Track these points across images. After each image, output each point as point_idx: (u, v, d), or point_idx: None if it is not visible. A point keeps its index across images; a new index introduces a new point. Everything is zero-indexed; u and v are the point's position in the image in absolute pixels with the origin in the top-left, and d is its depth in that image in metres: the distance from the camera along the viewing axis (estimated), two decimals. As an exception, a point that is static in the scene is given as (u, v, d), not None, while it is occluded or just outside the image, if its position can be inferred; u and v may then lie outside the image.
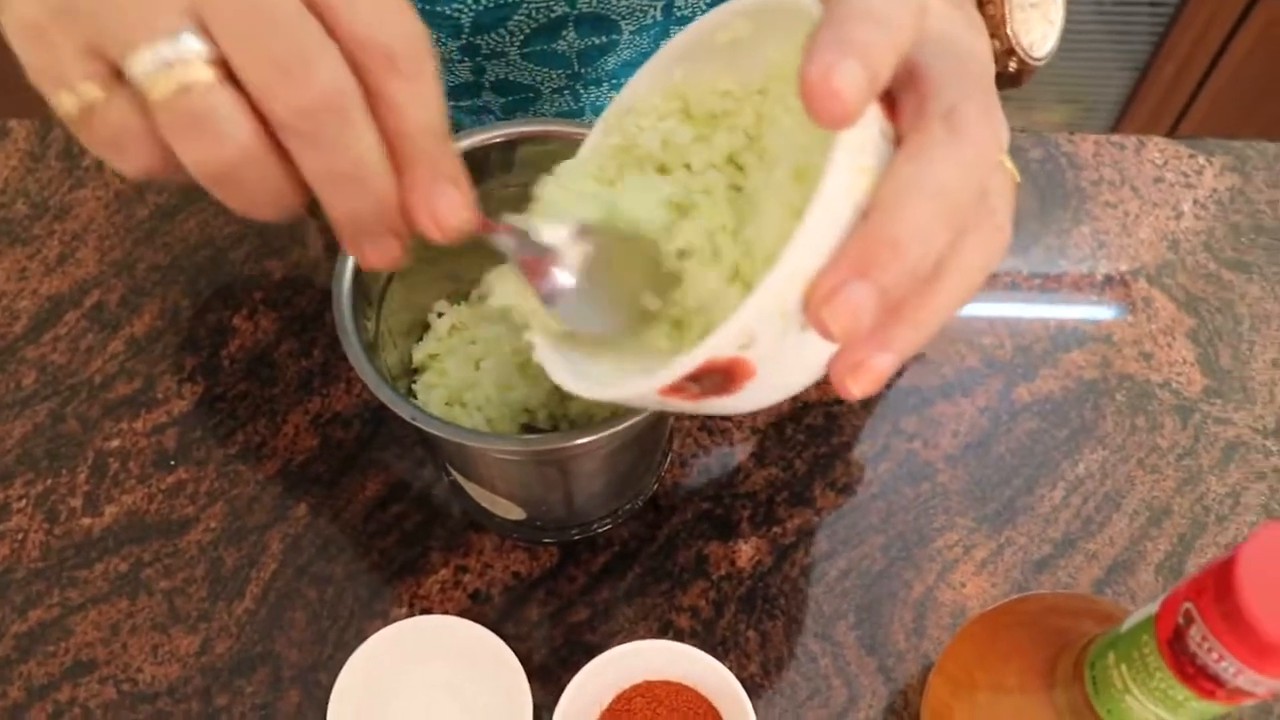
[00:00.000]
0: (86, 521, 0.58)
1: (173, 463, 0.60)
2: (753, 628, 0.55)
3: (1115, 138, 0.72)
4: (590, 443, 0.41)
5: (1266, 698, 0.33)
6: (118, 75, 0.30)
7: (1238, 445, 0.60)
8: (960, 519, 0.58)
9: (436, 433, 0.40)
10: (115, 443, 0.60)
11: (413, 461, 0.60)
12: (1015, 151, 0.71)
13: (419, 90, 0.31)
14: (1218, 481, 0.59)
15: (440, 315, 0.54)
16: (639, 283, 0.37)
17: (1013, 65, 0.45)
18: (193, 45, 0.28)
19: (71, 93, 0.30)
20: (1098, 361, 0.63)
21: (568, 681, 0.50)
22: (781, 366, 0.32)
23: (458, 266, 0.53)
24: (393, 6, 0.30)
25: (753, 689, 0.53)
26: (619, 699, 0.52)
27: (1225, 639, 0.32)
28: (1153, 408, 0.62)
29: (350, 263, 0.45)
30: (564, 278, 0.37)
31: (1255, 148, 0.72)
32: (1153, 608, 0.36)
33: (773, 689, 0.54)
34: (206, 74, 0.29)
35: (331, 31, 0.29)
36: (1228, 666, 0.33)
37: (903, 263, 0.29)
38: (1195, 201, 0.69)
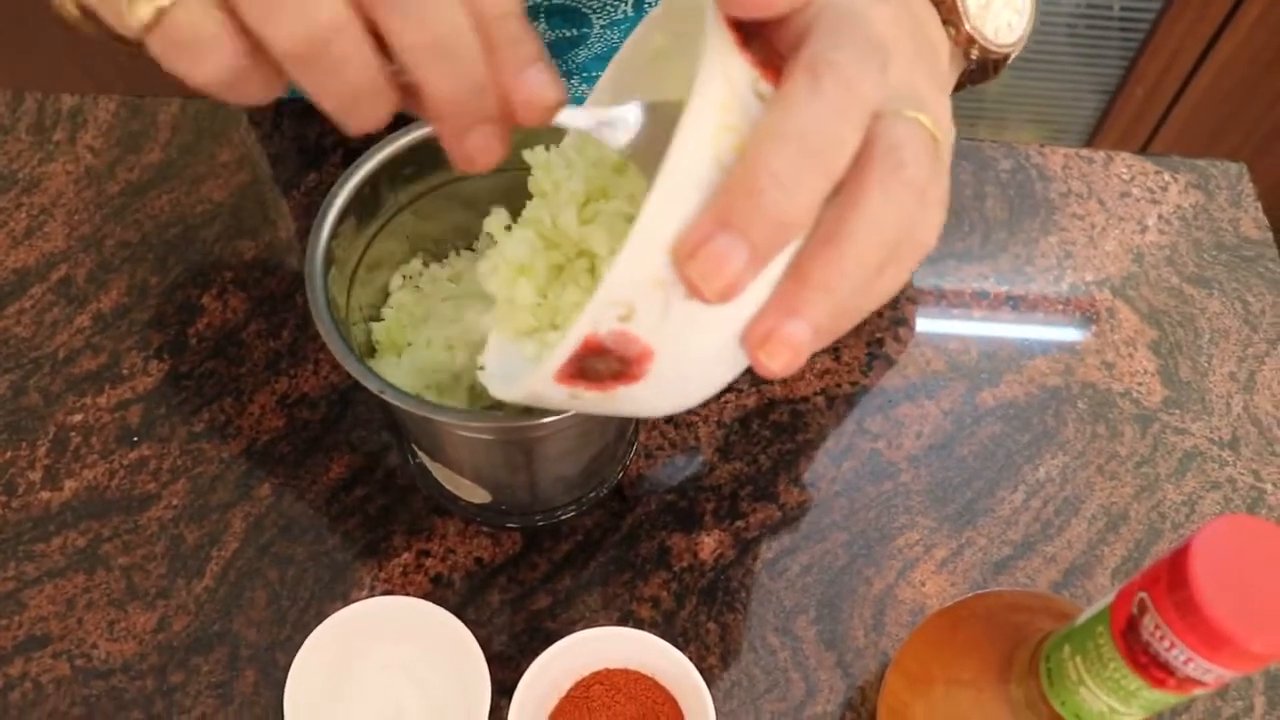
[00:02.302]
0: (45, 495, 0.58)
1: (135, 439, 0.59)
2: (713, 620, 0.55)
3: (1084, 152, 0.73)
4: (555, 423, 0.41)
5: (1215, 686, 0.34)
6: None
7: (1194, 455, 0.61)
8: (921, 519, 0.59)
9: (403, 406, 0.40)
10: (77, 417, 0.60)
11: (378, 445, 0.59)
12: (986, 162, 0.72)
13: None
14: (1174, 489, 0.60)
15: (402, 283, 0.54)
16: None
17: (975, 53, 0.45)
18: None
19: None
20: (1061, 369, 0.64)
21: (527, 668, 0.50)
22: (681, 345, 0.31)
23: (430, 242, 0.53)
24: None
25: (711, 680, 0.54)
26: (578, 686, 0.52)
27: (1177, 627, 0.33)
28: (1113, 416, 0.63)
29: (324, 238, 0.44)
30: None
31: (1218, 167, 0.73)
32: (1108, 599, 0.37)
33: (731, 681, 0.54)
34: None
35: None
36: (1179, 654, 0.33)
37: (763, 209, 0.28)
38: (1160, 217, 0.71)
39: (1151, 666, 0.35)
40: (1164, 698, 0.36)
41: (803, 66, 0.29)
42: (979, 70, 0.47)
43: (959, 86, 0.47)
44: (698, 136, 0.29)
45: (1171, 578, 0.33)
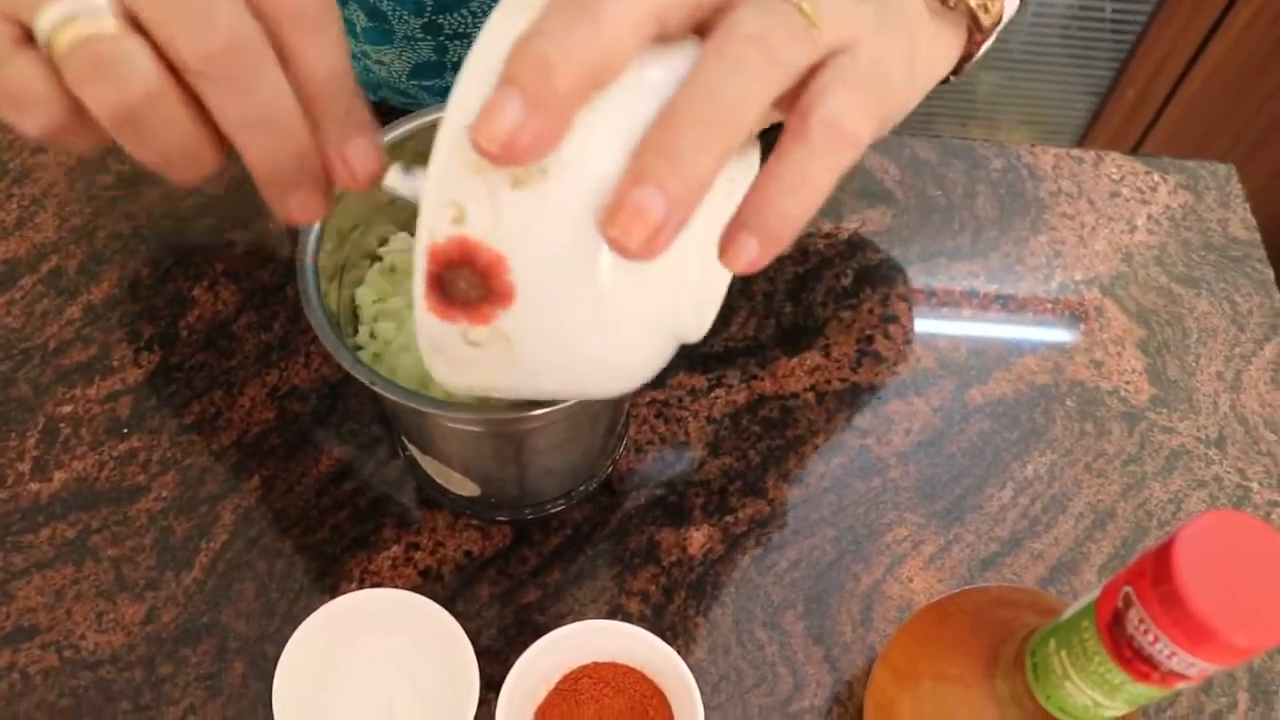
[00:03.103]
0: (34, 486, 0.58)
1: (125, 430, 0.59)
2: (701, 614, 0.56)
3: (1075, 152, 0.74)
4: (545, 415, 0.41)
5: (1198, 680, 0.34)
6: (28, 38, 0.30)
7: (1181, 454, 0.62)
8: (910, 515, 0.59)
9: (393, 398, 0.40)
10: (67, 408, 0.60)
11: (369, 438, 0.59)
12: (978, 161, 0.72)
13: (324, 41, 0.32)
14: (1161, 488, 0.61)
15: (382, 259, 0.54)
16: None
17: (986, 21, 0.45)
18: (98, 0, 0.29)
19: None
20: (1050, 367, 0.64)
21: (515, 661, 0.50)
22: (530, 243, 0.30)
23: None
24: None
25: (699, 674, 0.54)
26: (566, 679, 0.52)
27: (1161, 621, 0.33)
28: (1101, 414, 0.63)
29: (315, 230, 0.45)
30: None
31: (1207, 168, 0.74)
32: (1094, 594, 0.37)
33: (719, 675, 0.54)
34: (111, 24, 0.29)
35: None
36: (1162, 649, 0.33)
37: (542, 56, 0.28)
38: (1149, 217, 0.71)
39: (1136, 660, 0.35)
40: (1148, 691, 0.36)
41: (716, 39, 0.30)
42: (972, 24, 0.46)
43: (966, 59, 0.47)
44: (503, 17, 0.29)
45: (1156, 572, 0.33)
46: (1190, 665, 0.33)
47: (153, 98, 0.30)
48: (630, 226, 0.28)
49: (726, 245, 0.31)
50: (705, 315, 0.36)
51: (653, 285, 0.32)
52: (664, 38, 0.30)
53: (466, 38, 0.62)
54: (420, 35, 0.62)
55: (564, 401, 0.40)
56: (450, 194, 0.29)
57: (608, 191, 0.29)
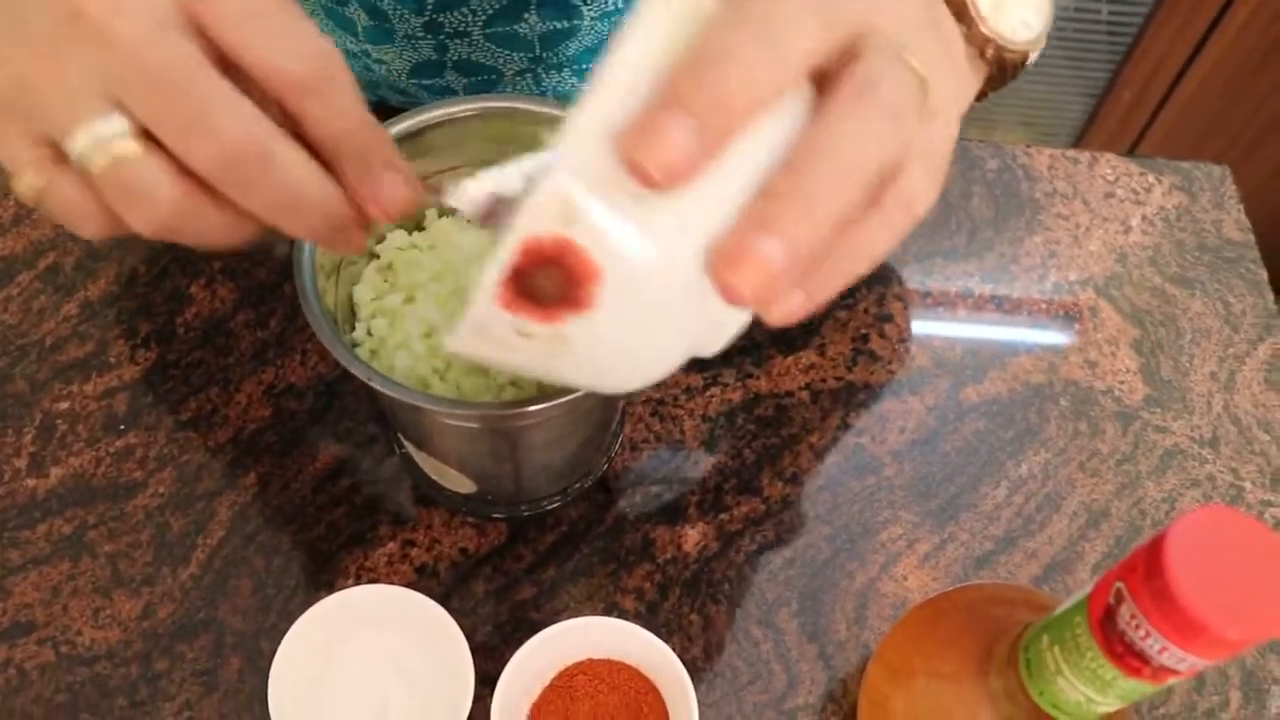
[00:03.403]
0: (31, 482, 0.58)
1: (122, 427, 0.59)
2: (696, 611, 0.56)
3: (1070, 152, 0.74)
4: (542, 410, 0.41)
5: (1189, 675, 0.35)
6: (62, 157, 0.33)
7: (1175, 453, 0.62)
8: (904, 513, 0.59)
9: (390, 394, 0.40)
10: (64, 405, 0.60)
11: (365, 436, 0.60)
12: (974, 161, 0.73)
13: (333, 102, 0.33)
14: (1155, 487, 0.61)
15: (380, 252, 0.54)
16: None
17: (990, 52, 0.44)
18: (115, 124, 0.31)
19: (27, 176, 0.33)
20: (1044, 367, 0.65)
21: (510, 657, 0.50)
22: (633, 267, 0.29)
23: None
24: (290, 31, 0.32)
25: (694, 672, 0.54)
26: (561, 675, 0.52)
27: (1153, 617, 0.33)
28: (1095, 414, 0.63)
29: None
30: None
31: (1202, 169, 0.74)
32: (1086, 590, 0.38)
33: (714, 672, 0.54)
34: (133, 147, 0.31)
35: (241, 70, 0.32)
36: (1154, 644, 0.34)
37: (713, 85, 0.27)
38: (1144, 218, 0.71)
39: (1127, 655, 0.35)
40: (1139, 687, 0.36)
41: (849, 91, 0.29)
42: (998, 73, 0.46)
43: (981, 95, 0.47)
44: (654, 21, 0.27)
45: (1148, 567, 0.34)
46: (1181, 660, 0.33)
47: (181, 212, 0.32)
48: (750, 275, 0.28)
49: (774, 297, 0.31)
50: (727, 336, 0.35)
51: (710, 315, 0.32)
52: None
53: (467, 36, 0.62)
54: (421, 34, 0.62)
55: (560, 398, 0.40)
56: (570, 193, 0.27)
57: (723, 229, 0.29)
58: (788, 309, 0.31)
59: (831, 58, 0.30)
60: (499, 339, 0.31)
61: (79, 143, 0.31)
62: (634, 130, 0.27)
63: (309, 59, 0.32)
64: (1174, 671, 0.34)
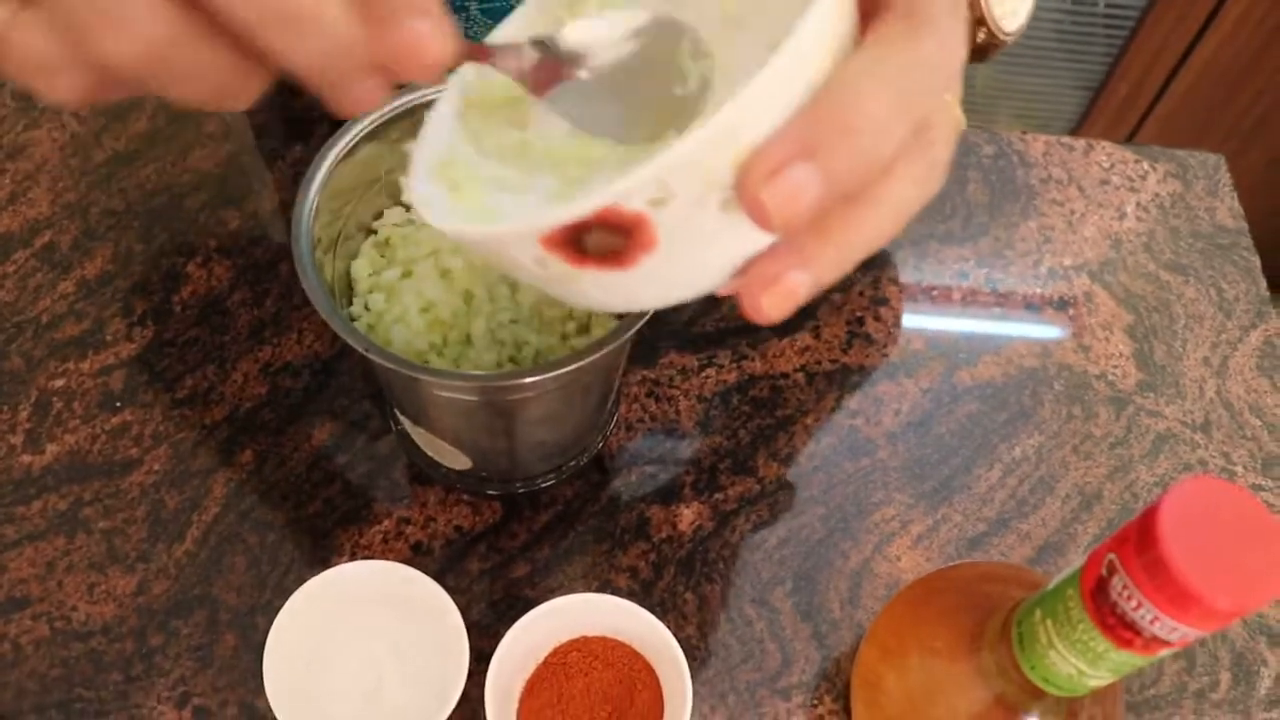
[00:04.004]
0: (26, 459, 0.58)
1: (118, 404, 0.60)
2: (691, 590, 0.56)
3: (1065, 139, 0.74)
4: (537, 383, 0.41)
5: (1179, 646, 0.35)
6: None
7: (1167, 437, 0.62)
8: (898, 494, 0.59)
9: (387, 365, 0.40)
10: (60, 382, 0.60)
11: (360, 414, 0.60)
12: (969, 148, 0.73)
13: None
14: (1147, 471, 0.61)
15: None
16: (651, 101, 0.34)
17: (981, 35, 0.45)
18: None
19: None
20: (1038, 351, 0.65)
21: (504, 635, 0.50)
22: (686, 249, 0.29)
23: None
24: None
25: (688, 650, 0.54)
26: (555, 652, 0.52)
27: (1145, 587, 0.34)
28: (1089, 398, 0.63)
29: (311, 199, 0.45)
30: (581, 75, 0.33)
31: (1196, 157, 0.74)
32: (1078, 563, 0.38)
33: (708, 651, 0.54)
34: None
35: None
36: (1145, 614, 0.34)
37: (854, 151, 0.27)
38: (1138, 204, 0.72)
39: (1119, 627, 0.35)
40: (1130, 659, 0.36)
41: (901, 11, 0.28)
42: (976, 52, 0.47)
43: None
44: (813, 45, 0.26)
45: (1140, 539, 0.34)
46: (1173, 630, 0.34)
47: (166, 33, 0.25)
48: (776, 299, 0.29)
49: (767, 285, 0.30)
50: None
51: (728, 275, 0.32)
52: None
53: (465, 12, 0.62)
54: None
55: (556, 370, 0.41)
56: (669, 180, 0.26)
57: (766, 241, 0.29)
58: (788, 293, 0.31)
59: None
60: (510, 257, 0.30)
61: None
62: (768, 170, 0.26)
63: None
64: (1165, 642, 0.35)
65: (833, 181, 0.27)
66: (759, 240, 0.29)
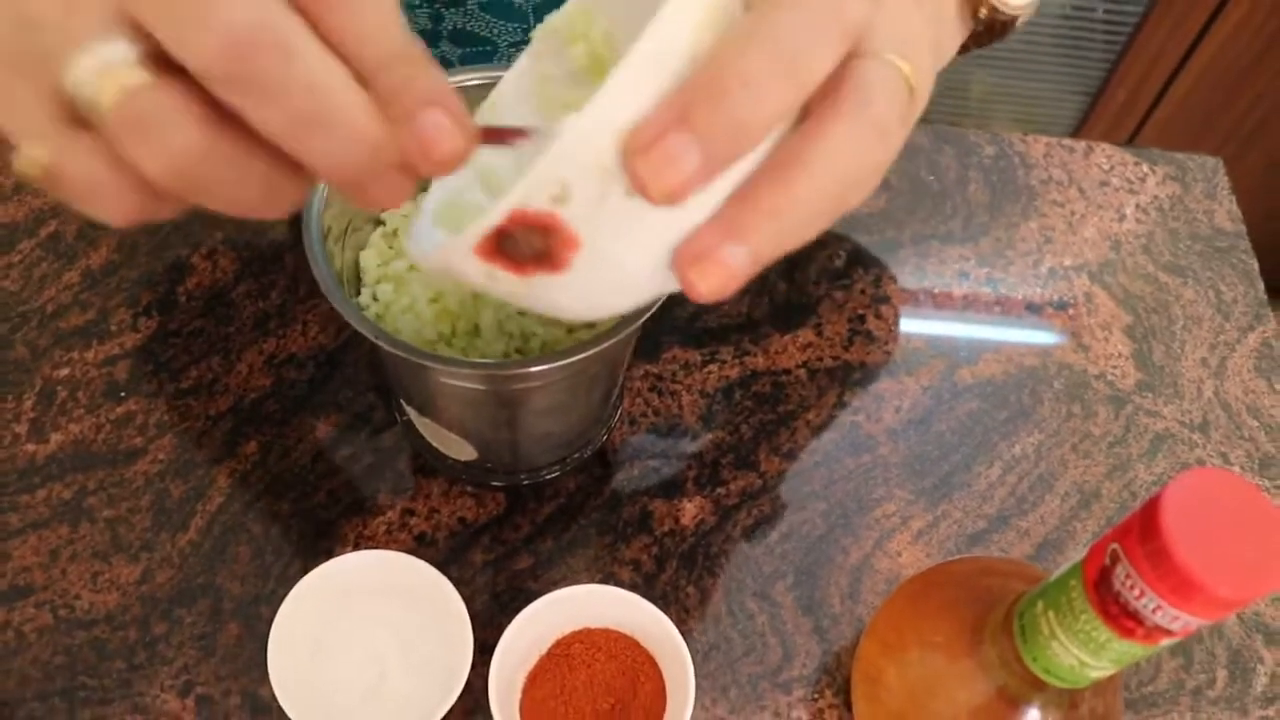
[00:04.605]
0: (30, 448, 0.58)
1: (123, 394, 0.60)
2: (693, 584, 0.56)
3: (1066, 141, 0.75)
4: (543, 373, 0.42)
5: (1181, 635, 0.35)
6: (74, 118, 0.27)
7: (1166, 437, 0.63)
8: (899, 490, 0.60)
9: (395, 352, 0.41)
10: (65, 371, 0.60)
11: (365, 405, 0.60)
12: (970, 149, 0.73)
13: (365, 14, 0.27)
14: (1145, 470, 0.62)
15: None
16: None
17: (983, 13, 0.44)
18: (122, 48, 0.26)
19: (34, 145, 0.28)
20: (1038, 350, 0.65)
21: (507, 627, 0.50)
22: (611, 241, 0.29)
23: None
24: None
25: (690, 643, 0.54)
26: (558, 644, 0.52)
27: (1147, 576, 0.34)
28: (1088, 397, 0.64)
29: (321, 189, 0.45)
30: None
31: (1195, 160, 0.75)
32: (1082, 554, 0.38)
33: (710, 643, 0.55)
34: (142, 74, 0.26)
35: None
36: (1148, 603, 0.34)
37: (725, 111, 0.26)
38: (1137, 206, 0.72)
39: (1121, 616, 0.36)
40: (1132, 649, 0.37)
41: None
42: (985, 31, 0.46)
43: (965, 49, 0.47)
44: (678, 23, 0.27)
45: (1143, 529, 0.34)
46: (1175, 619, 0.34)
47: (202, 150, 0.26)
48: (708, 274, 0.28)
49: (710, 247, 0.30)
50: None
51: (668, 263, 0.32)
52: None
53: (461, 6, 0.62)
54: (416, 3, 0.63)
55: (563, 359, 0.41)
56: (565, 176, 0.27)
57: (699, 222, 0.29)
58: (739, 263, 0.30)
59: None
60: (465, 273, 0.31)
61: (86, 73, 0.26)
62: (643, 143, 0.26)
63: None
64: (1167, 632, 0.35)
65: (712, 145, 0.26)
66: (684, 221, 0.29)
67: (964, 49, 0.47)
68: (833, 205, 0.29)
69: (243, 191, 0.28)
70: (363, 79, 0.27)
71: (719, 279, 0.29)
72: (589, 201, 0.28)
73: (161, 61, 0.26)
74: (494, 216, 0.28)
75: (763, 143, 0.29)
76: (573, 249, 0.29)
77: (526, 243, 0.29)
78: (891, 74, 0.30)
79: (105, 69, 0.26)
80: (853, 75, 0.30)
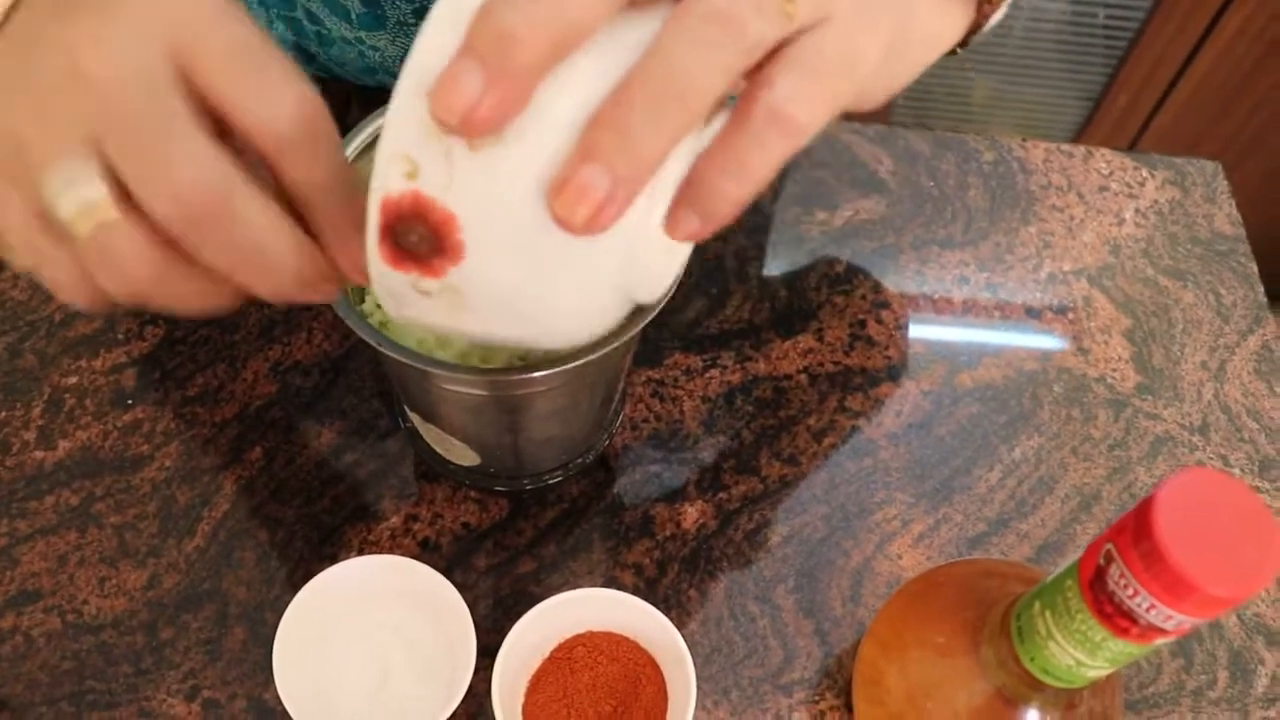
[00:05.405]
0: (39, 455, 0.59)
1: (130, 401, 0.60)
2: (694, 587, 0.57)
3: (1065, 146, 0.75)
4: (545, 378, 0.42)
5: (1175, 635, 0.35)
6: (52, 233, 0.32)
7: (1165, 440, 0.63)
8: (900, 494, 0.60)
9: (399, 359, 0.41)
10: (73, 379, 0.61)
11: (370, 412, 0.60)
12: (970, 154, 0.74)
13: (312, 163, 0.32)
14: (1145, 472, 0.62)
15: None
16: None
17: None
18: (97, 188, 0.31)
19: (22, 253, 0.33)
20: (1038, 354, 0.66)
21: (510, 629, 0.51)
22: (481, 205, 0.30)
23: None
24: (273, 85, 0.31)
25: (692, 646, 0.55)
26: (560, 647, 0.53)
27: (1141, 576, 0.34)
28: (1088, 400, 0.64)
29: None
30: None
31: (1194, 164, 0.75)
32: (1077, 555, 0.39)
33: (711, 646, 0.55)
34: (111, 212, 0.31)
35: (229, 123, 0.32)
36: (1142, 602, 0.35)
37: (502, 37, 0.27)
38: (1137, 210, 0.72)
39: (1116, 615, 0.36)
40: (1127, 648, 0.37)
41: None
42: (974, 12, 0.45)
43: (964, 42, 0.46)
44: None
45: (1137, 529, 0.35)
46: (1168, 618, 0.34)
47: (155, 279, 0.32)
48: (573, 204, 0.29)
49: (670, 216, 0.32)
50: (659, 278, 0.36)
51: (604, 246, 0.32)
52: (635, 3, 0.30)
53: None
54: (412, 20, 0.63)
55: (563, 364, 0.41)
56: (405, 149, 0.29)
57: (562, 161, 0.29)
58: (687, 230, 0.31)
59: None
60: (408, 300, 0.33)
61: (65, 209, 0.31)
62: (437, 84, 0.28)
63: (291, 115, 0.31)
64: (1161, 631, 0.35)
65: (497, 70, 0.27)
66: (537, 162, 0.29)
67: (963, 41, 0.46)
68: (684, 108, 0.29)
69: (187, 302, 0.34)
70: (302, 203, 0.33)
71: (585, 209, 0.29)
72: (436, 165, 0.29)
73: (127, 192, 0.31)
74: (372, 212, 0.30)
75: (604, 60, 0.29)
76: (454, 227, 0.30)
77: (416, 235, 0.30)
78: None
79: (82, 205, 0.31)
80: None
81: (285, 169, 0.32)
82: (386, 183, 0.29)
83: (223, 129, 0.32)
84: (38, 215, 0.32)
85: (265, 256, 0.32)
